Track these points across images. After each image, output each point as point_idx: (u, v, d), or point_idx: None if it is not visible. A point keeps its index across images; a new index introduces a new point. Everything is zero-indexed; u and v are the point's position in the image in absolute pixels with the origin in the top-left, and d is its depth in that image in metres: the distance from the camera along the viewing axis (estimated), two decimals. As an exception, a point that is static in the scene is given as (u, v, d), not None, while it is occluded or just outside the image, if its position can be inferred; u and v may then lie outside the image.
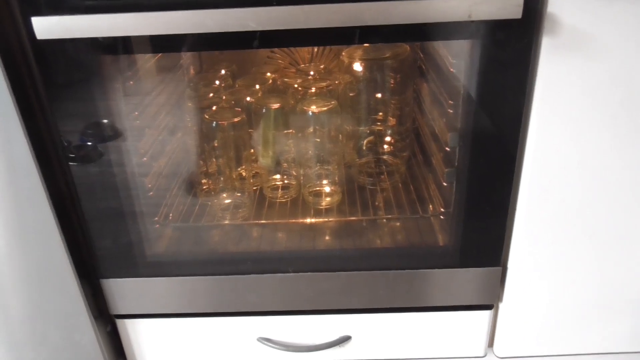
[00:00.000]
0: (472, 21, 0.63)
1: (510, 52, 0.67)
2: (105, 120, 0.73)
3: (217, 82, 1.05)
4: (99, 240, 0.81)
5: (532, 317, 0.87)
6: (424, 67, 1.02)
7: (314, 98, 0.96)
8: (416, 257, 0.86)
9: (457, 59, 0.77)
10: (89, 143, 0.74)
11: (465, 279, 0.85)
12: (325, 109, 0.94)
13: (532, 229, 0.78)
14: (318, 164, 1.01)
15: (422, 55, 1.02)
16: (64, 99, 0.70)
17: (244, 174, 1.03)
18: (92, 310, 0.85)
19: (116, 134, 0.75)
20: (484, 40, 0.66)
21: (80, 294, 0.83)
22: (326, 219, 0.96)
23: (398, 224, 0.95)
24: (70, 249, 0.79)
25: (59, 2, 0.62)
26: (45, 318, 0.86)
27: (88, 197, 0.78)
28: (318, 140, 0.98)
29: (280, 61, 1.09)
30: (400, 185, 1.02)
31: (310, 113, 0.94)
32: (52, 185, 0.75)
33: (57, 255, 0.79)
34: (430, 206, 0.95)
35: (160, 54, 0.94)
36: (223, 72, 1.07)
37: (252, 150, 1.03)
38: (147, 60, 0.90)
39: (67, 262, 0.80)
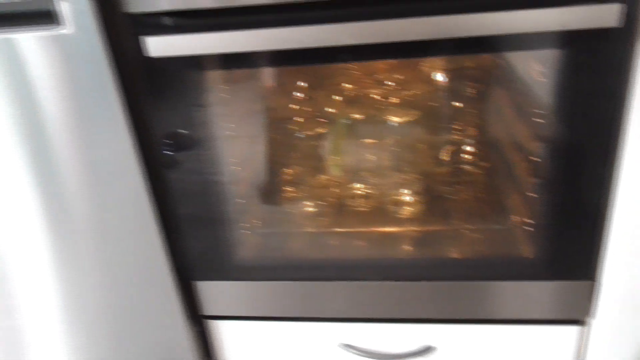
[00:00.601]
0: (565, 30, 0.63)
1: (606, 61, 0.65)
2: (199, 130, 0.78)
3: (296, 93, 1.08)
4: (192, 243, 0.86)
5: (628, 336, 0.83)
6: (507, 75, 1.01)
7: (393, 108, 0.97)
8: (499, 268, 0.85)
9: (547, 67, 0.76)
10: (185, 151, 0.79)
11: (552, 292, 0.83)
12: (405, 119, 0.95)
13: (630, 241, 0.76)
14: (398, 173, 1.02)
15: (505, 63, 1.01)
16: (164, 109, 0.75)
17: (324, 182, 1.06)
18: (184, 311, 0.90)
19: (209, 143, 0.80)
20: (578, 48, 0.65)
21: (175, 294, 0.88)
22: (406, 228, 0.97)
23: (479, 234, 0.94)
24: (167, 250, 0.85)
25: (165, 24, 0.68)
26: (139, 315, 0.91)
27: (183, 202, 0.82)
28: (398, 149, 0.99)
29: (355, 71, 1.11)
30: (481, 195, 1.01)
31: (390, 123, 0.96)
32: (152, 191, 0.81)
33: (156, 257, 0.85)
34: (514, 217, 0.94)
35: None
36: (301, 83, 1.10)
37: (332, 160, 1.05)
38: (238, 76, 0.95)
39: (165, 263, 0.85)
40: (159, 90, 0.73)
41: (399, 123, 0.96)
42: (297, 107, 1.06)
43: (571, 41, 0.65)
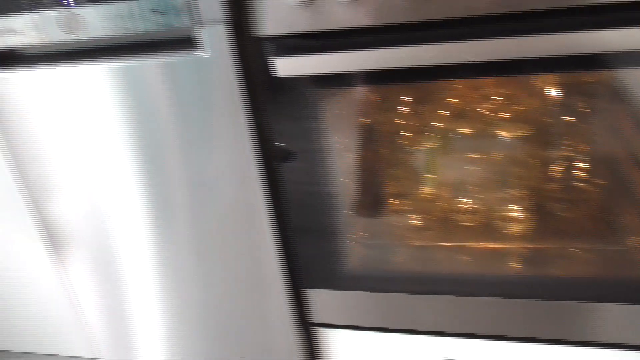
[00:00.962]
0: None
1: None
2: (314, 143, 0.82)
3: (402, 107, 1.10)
4: (304, 252, 0.89)
5: None
6: (625, 90, 0.97)
7: (502, 123, 0.96)
8: (612, 289, 0.82)
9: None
10: (300, 163, 0.83)
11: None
12: (516, 134, 0.94)
13: None
14: (506, 189, 1.00)
15: (624, 78, 0.97)
16: (284, 123, 0.80)
17: (430, 196, 1.06)
18: (294, 316, 0.94)
19: (322, 155, 0.83)
20: None
21: (287, 300, 0.92)
22: (515, 245, 0.95)
23: (592, 254, 0.91)
24: (281, 258, 0.89)
25: (293, 45, 0.72)
26: (249, 317, 0.96)
27: (296, 212, 0.86)
28: (506, 164, 0.98)
29: (459, 85, 1.11)
30: (595, 213, 0.97)
31: (500, 138, 0.95)
32: (270, 201, 0.86)
33: (270, 263, 0.89)
34: (631, 237, 0.90)
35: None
36: (407, 98, 1.12)
37: (438, 173, 1.06)
38: (352, 92, 0.98)
39: (279, 270, 0.89)
40: (281, 105, 0.78)
41: (507, 138, 0.95)
42: (404, 121, 1.07)
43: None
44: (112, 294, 1.01)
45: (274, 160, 0.83)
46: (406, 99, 1.11)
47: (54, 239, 0.99)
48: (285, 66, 0.70)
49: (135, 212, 0.91)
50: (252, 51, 0.75)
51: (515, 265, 0.92)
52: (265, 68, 0.74)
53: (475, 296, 0.87)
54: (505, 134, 0.94)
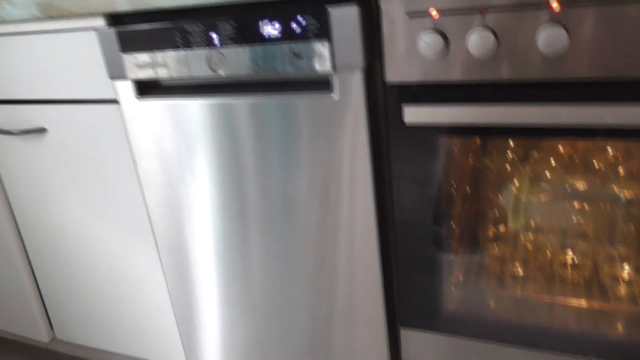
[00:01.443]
0: None
1: None
2: (429, 184, 0.84)
3: (514, 154, 1.09)
4: (404, 289, 0.91)
5: None
6: None
7: (618, 178, 0.94)
8: None
9: None
10: (414, 204, 0.85)
11: None
12: (630, 193, 0.91)
13: None
14: (617, 246, 0.97)
15: None
16: (404, 167, 0.83)
17: (530, 246, 1.05)
18: (389, 354, 0.95)
19: (435, 195, 0.85)
20: None
21: (385, 337, 0.93)
22: (621, 307, 0.92)
23: None
24: (384, 292, 0.91)
25: (421, 93, 0.75)
26: (343, 350, 0.99)
27: (404, 249, 0.88)
28: (619, 221, 0.95)
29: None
30: None
31: (613, 195, 0.93)
32: (381, 237, 0.88)
33: (372, 296, 0.91)
34: None
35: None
36: (512, 144, 1.11)
37: (546, 223, 1.04)
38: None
39: (381, 306, 0.91)
40: (402, 148, 0.81)
41: (623, 195, 0.92)
42: (515, 168, 1.07)
43: None
44: (191, 306, 1.07)
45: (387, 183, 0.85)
46: (518, 148, 1.11)
47: (161, 249, 1.07)
48: (413, 114, 0.74)
49: (250, 251, 0.97)
50: (381, 96, 0.78)
51: (619, 328, 0.89)
52: (394, 113, 0.78)
53: (576, 355, 0.85)
54: (619, 192, 0.92)
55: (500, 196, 1.03)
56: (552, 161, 1.06)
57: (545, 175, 1.02)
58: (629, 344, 0.87)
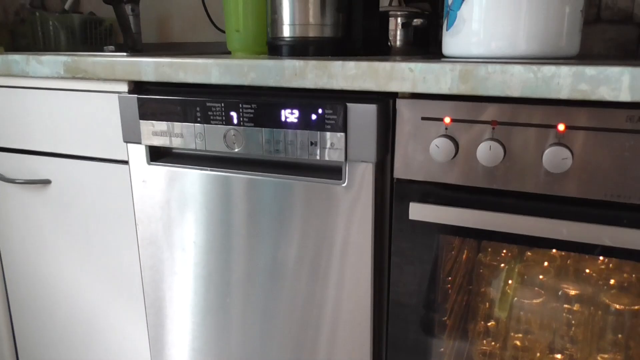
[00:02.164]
0: None
1: None
2: (427, 280, 0.85)
3: (504, 253, 1.12)
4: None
5: None
6: None
7: (611, 290, 0.97)
8: None
9: None
10: (407, 294, 0.86)
11: None
12: (625, 305, 0.94)
13: None
14: (605, 355, 0.98)
15: None
16: (404, 263, 0.85)
17: (519, 343, 1.06)
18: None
19: (432, 290, 0.87)
20: None
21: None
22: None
23: None
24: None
25: (426, 192, 0.78)
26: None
27: (394, 333, 0.89)
28: (611, 330, 0.97)
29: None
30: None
31: (607, 305, 0.95)
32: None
33: (365, 344, 0.91)
34: None
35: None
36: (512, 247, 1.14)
37: (541, 325, 1.06)
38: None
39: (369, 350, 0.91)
40: (404, 240, 0.83)
41: (614, 306, 0.94)
42: (506, 266, 1.10)
43: None
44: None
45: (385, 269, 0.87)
46: (510, 249, 1.14)
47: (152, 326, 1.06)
48: (418, 211, 0.76)
49: (237, 312, 0.97)
50: (388, 190, 0.81)
51: None
52: (399, 208, 0.81)
53: None
54: (615, 305, 0.94)
55: (492, 291, 1.05)
56: (545, 263, 1.08)
57: (537, 277, 1.04)
58: None
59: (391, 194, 0.83)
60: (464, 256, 1.04)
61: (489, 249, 1.11)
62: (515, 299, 1.04)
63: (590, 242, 0.70)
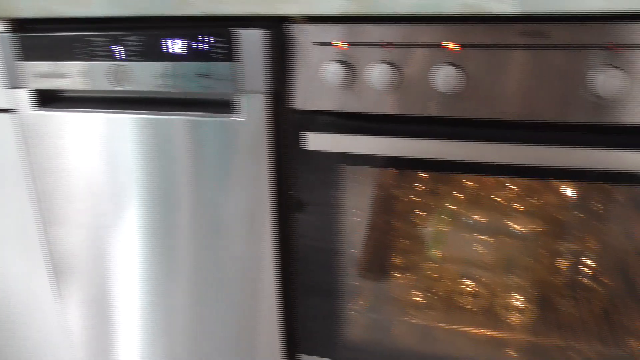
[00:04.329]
0: None
1: None
2: (332, 211, 0.84)
3: (421, 185, 1.12)
4: (304, 314, 0.90)
5: None
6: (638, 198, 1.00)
7: (516, 213, 0.99)
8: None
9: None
10: (314, 225, 0.85)
11: None
12: (527, 227, 0.96)
13: None
14: (512, 277, 1.02)
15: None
16: (306, 194, 0.83)
17: (435, 274, 1.08)
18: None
19: (337, 221, 0.85)
20: None
21: (281, 364, 0.92)
22: (514, 335, 0.96)
23: (593, 354, 0.91)
24: (281, 318, 0.90)
25: (326, 121, 0.76)
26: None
27: (303, 273, 0.88)
28: (515, 253, 1.00)
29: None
30: (600, 313, 0.98)
31: (510, 228, 0.97)
32: (279, 258, 0.88)
33: (269, 322, 0.90)
34: (632, 342, 0.90)
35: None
36: (425, 175, 1.14)
37: (444, 253, 1.07)
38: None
39: (276, 330, 0.90)
40: (306, 174, 0.81)
41: (517, 229, 0.97)
42: (419, 199, 1.10)
43: None
44: (104, 334, 1.02)
45: (289, 210, 0.85)
46: (424, 176, 1.14)
47: (57, 272, 1.00)
48: (315, 141, 0.74)
49: (138, 255, 0.93)
50: (285, 122, 0.78)
51: (514, 355, 0.92)
52: (297, 140, 0.78)
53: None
54: (516, 227, 0.97)
55: (404, 225, 1.06)
56: (457, 194, 1.10)
57: (450, 207, 1.05)
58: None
59: (289, 126, 0.79)
60: (375, 189, 1.04)
61: (400, 181, 1.11)
62: (428, 229, 1.05)
63: (488, 162, 0.70)
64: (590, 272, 1.04)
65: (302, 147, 0.76)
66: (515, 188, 1.07)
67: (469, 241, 1.04)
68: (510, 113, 0.69)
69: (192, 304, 0.94)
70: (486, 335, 0.97)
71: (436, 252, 1.05)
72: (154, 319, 0.97)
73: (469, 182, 1.11)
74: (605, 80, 0.62)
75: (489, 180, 1.12)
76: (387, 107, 0.73)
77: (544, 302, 1.01)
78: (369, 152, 0.73)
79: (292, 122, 0.78)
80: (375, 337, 0.98)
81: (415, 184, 1.12)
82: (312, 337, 0.92)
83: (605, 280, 1.03)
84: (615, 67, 0.62)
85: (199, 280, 0.92)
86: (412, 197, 1.10)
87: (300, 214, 0.84)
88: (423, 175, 1.13)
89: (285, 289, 0.91)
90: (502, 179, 1.11)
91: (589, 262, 1.04)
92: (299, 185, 0.82)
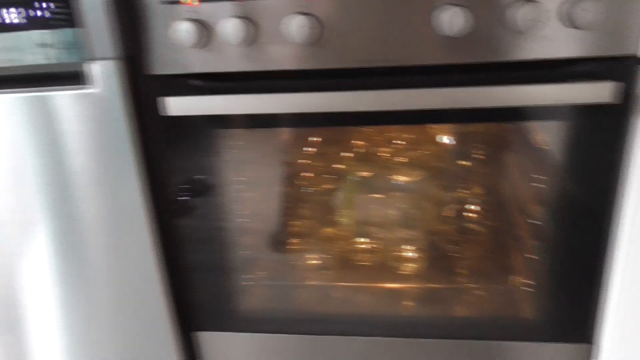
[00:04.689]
0: (565, 104, 0.67)
1: (604, 133, 0.69)
2: (209, 181, 0.81)
3: (309, 148, 1.12)
4: (195, 292, 0.87)
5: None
6: (514, 139, 1.05)
7: (401, 166, 1.01)
8: (500, 328, 0.86)
9: (550, 136, 0.79)
10: (194, 199, 0.82)
11: (553, 354, 0.84)
12: (411, 177, 0.98)
13: (627, 306, 0.77)
14: (403, 229, 1.04)
15: (512, 128, 1.05)
16: (177, 162, 0.79)
17: (329, 235, 1.08)
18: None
19: (218, 194, 0.83)
20: (577, 121, 0.69)
21: (175, 344, 0.89)
22: (409, 285, 0.98)
23: (482, 293, 0.95)
24: (169, 298, 0.87)
25: (185, 85, 0.73)
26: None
27: (189, 249, 0.85)
28: (403, 206, 1.02)
29: (370, 129, 1.15)
30: (485, 254, 1.03)
31: (396, 181, 0.99)
32: (158, 236, 0.84)
33: (157, 304, 0.86)
34: (515, 277, 0.95)
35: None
36: (315, 138, 1.14)
37: (338, 213, 1.08)
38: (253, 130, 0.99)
39: (165, 311, 0.87)
40: (175, 144, 0.77)
41: (403, 181, 0.99)
42: (308, 161, 1.10)
43: (572, 114, 0.69)
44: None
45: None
46: (312, 139, 1.14)
47: None
48: (176, 106, 0.70)
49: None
50: (144, 89, 0.74)
51: (411, 305, 0.95)
52: (156, 106, 0.74)
53: (373, 336, 0.88)
54: (401, 178, 0.98)
55: (293, 189, 1.05)
56: (346, 154, 1.10)
57: (339, 167, 1.06)
58: (417, 320, 0.92)
59: (151, 93, 0.75)
60: (257, 157, 1.02)
61: (286, 145, 1.10)
62: (321, 192, 1.05)
63: (351, 111, 0.69)
64: (474, 216, 1.08)
65: (163, 113, 0.72)
66: (401, 142, 1.09)
67: (360, 200, 1.05)
68: (368, 60, 0.68)
69: (99, 295, 0.89)
70: (383, 288, 0.99)
71: (328, 214, 1.06)
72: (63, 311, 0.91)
73: (357, 142, 1.12)
74: (451, 18, 0.63)
75: (376, 138, 1.14)
76: (246, 64, 0.70)
77: (435, 250, 1.04)
78: (231, 112, 0.71)
79: (154, 89, 0.74)
80: (274, 305, 0.97)
81: (304, 148, 1.12)
82: (206, 313, 0.89)
83: (489, 223, 1.08)
84: (458, 5, 0.63)
85: (63, 275, 0.87)
86: (299, 161, 1.10)
87: (175, 187, 0.81)
88: (314, 139, 1.13)
89: (171, 269, 0.87)
90: (389, 135, 1.13)
91: (472, 207, 1.08)
92: (168, 157, 0.78)
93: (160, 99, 0.72)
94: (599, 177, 0.71)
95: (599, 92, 0.64)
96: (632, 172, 0.69)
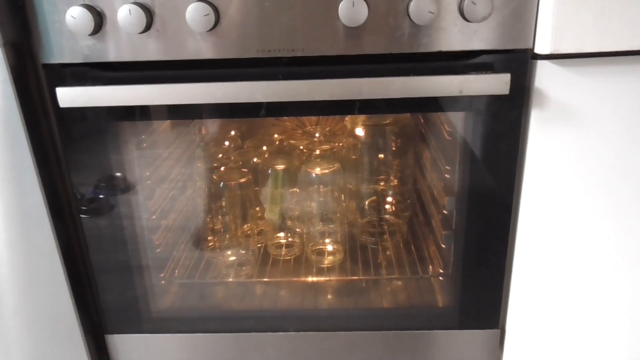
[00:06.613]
0: (464, 95, 0.68)
1: (502, 123, 0.71)
2: (117, 178, 0.78)
3: (227, 143, 1.10)
4: (106, 294, 0.83)
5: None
6: (424, 132, 1.07)
7: (318, 160, 1.00)
8: (416, 317, 0.88)
9: (453, 128, 0.81)
10: (101, 197, 0.78)
11: (465, 341, 0.86)
12: (328, 170, 0.98)
13: (528, 291, 0.80)
14: (321, 223, 1.04)
15: (422, 121, 1.07)
16: (80, 157, 0.75)
17: (249, 231, 1.06)
18: (95, 366, 0.87)
19: (127, 191, 0.79)
20: (477, 112, 0.70)
21: (85, 349, 0.84)
22: (328, 278, 0.98)
23: (399, 283, 0.96)
24: (77, 302, 0.82)
25: (80, 75, 0.69)
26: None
27: (97, 250, 0.81)
28: (321, 199, 1.01)
29: (287, 123, 1.15)
30: (401, 245, 1.04)
31: (314, 174, 0.98)
32: (63, 237, 0.79)
33: (65, 308, 0.82)
34: (430, 267, 0.97)
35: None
36: (232, 133, 1.12)
37: (257, 209, 1.06)
38: (160, 124, 0.95)
39: (74, 316, 0.82)
40: (72, 138, 0.73)
41: (320, 174, 0.98)
42: (224, 156, 1.07)
43: (470, 105, 0.70)
44: None
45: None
46: (232, 133, 1.12)
47: None
48: (66, 96, 0.66)
49: None
50: (35, 78, 0.69)
51: (329, 298, 0.95)
52: (50, 98, 0.70)
53: (289, 331, 0.87)
54: (316, 171, 0.98)
55: (207, 185, 1.02)
56: (265, 148, 1.09)
57: (258, 162, 1.04)
58: (331, 312, 0.92)
59: (47, 83, 0.71)
60: (168, 147, 0.98)
61: (203, 139, 1.08)
62: (240, 187, 1.02)
63: (248, 102, 0.68)
64: (391, 208, 1.10)
65: (57, 104, 0.68)
66: (318, 136, 1.08)
67: (281, 194, 1.04)
68: (269, 50, 0.67)
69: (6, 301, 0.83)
70: (303, 282, 0.98)
71: (249, 209, 1.04)
72: None
73: (275, 136, 1.11)
74: (351, 10, 0.63)
75: (293, 131, 1.13)
76: (145, 53, 0.67)
77: (353, 242, 1.05)
78: (125, 103, 0.67)
79: (49, 79, 0.69)
80: (192, 304, 0.95)
81: (223, 142, 1.09)
82: (118, 315, 0.85)
83: (404, 214, 1.09)
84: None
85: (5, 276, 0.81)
86: (220, 155, 1.07)
87: (81, 185, 0.76)
88: (233, 132, 1.11)
89: (78, 270, 0.83)
90: (307, 129, 1.12)
91: (389, 198, 1.10)
92: (67, 151, 0.74)
93: (53, 89, 0.68)
94: (500, 167, 0.73)
95: (496, 84, 0.66)
96: (527, 160, 0.72)
